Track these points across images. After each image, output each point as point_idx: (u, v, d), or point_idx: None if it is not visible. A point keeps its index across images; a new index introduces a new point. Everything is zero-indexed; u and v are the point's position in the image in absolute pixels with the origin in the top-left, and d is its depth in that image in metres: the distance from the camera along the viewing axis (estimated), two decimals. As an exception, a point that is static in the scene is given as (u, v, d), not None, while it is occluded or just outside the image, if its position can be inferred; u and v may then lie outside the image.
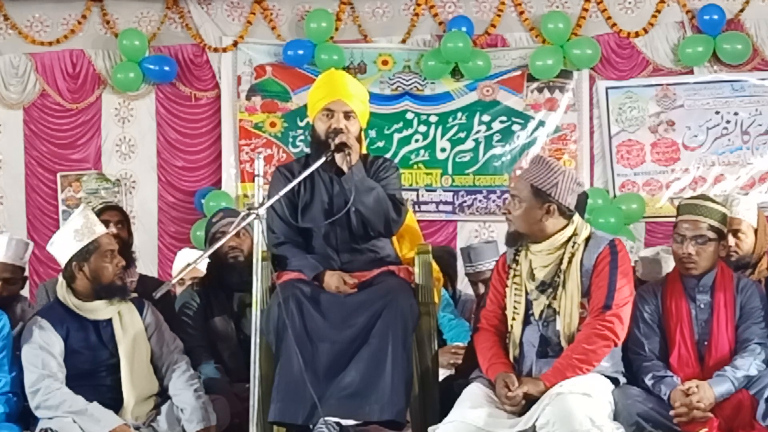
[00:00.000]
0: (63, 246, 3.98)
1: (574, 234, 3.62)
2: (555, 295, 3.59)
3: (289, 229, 4.00)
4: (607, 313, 3.51)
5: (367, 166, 4.03)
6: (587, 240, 3.63)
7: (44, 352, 3.84)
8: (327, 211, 3.96)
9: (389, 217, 3.92)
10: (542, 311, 3.60)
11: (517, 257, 3.71)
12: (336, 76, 4.13)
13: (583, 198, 4.28)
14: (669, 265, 4.33)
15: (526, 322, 3.64)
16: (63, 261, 3.98)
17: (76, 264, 3.94)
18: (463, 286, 5.95)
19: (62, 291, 3.99)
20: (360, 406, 3.62)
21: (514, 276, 3.70)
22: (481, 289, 5.17)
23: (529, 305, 3.64)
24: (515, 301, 3.66)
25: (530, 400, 3.45)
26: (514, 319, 3.66)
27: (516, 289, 3.67)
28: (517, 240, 3.68)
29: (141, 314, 4.06)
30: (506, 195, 7.13)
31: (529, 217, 3.61)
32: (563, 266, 3.59)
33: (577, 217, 3.67)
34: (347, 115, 3.97)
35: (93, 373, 3.91)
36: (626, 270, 3.61)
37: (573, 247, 3.60)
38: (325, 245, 3.97)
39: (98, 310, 3.97)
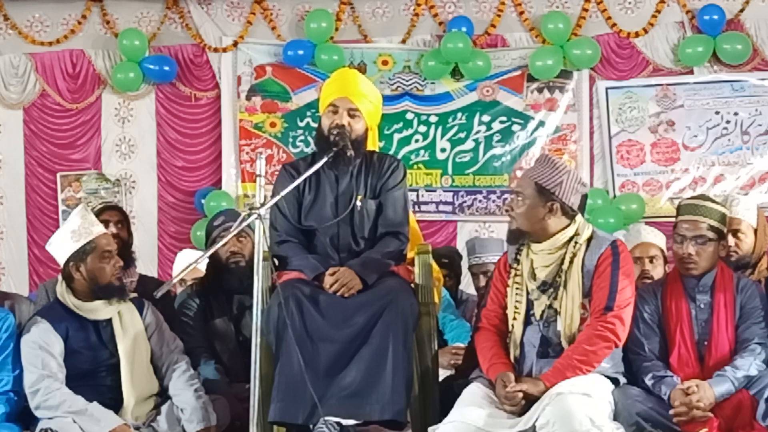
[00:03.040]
0: (61, 246, 3.98)
1: (576, 234, 3.62)
2: (556, 295, 3.58)
3: (292, 227, 4.00)
4: (609, 314, 3.51)
5: (373, 163, 4.04)
6: (589, 240, 3.63)
7: (44, 352, 3.84)
8: (332, 210, 3.97)
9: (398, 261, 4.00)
10: (543, 311, 3.59)
11: (518, 257, 3.71)
12: (347, 74, 4.15)
13: (583, 198, 4.28)
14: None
15: (527, 322, 3.64)
16: (61, 261, 3.98)
17: (73, 264, 3.94)
18: (465, 285, 5.95)
19: (62, 291, 3.98)
20: (360, 406, 3.62)
21: (515, 276, 3.69)
22: (482, 281, 5.18)
23: (530, 305, 3.64)
24: (516, 301, 3.65)
25: (530, 400, 3.45)
26: (515, 319, 3.65)
27: (517, 288, 3.67)
28: (518, 238, 3.68)
29: (141, 314, 4.06)
30: (506, 195, 7.16)
31: (531, 215, 3.60)
32: (564, 266, 3.58)
33: (579, 217, 3.67)
34: (351, 113, 3.98)
35: (93, 373, 3.90)
36: (628, 271, 3.61)
37: (575, 247, 3.60)
38: (326, 245, 3.97)
39: (98, 310, 3.96)
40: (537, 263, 3.64)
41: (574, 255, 3.59)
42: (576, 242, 3.60)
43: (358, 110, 3.98)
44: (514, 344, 3.63)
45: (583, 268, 3.58)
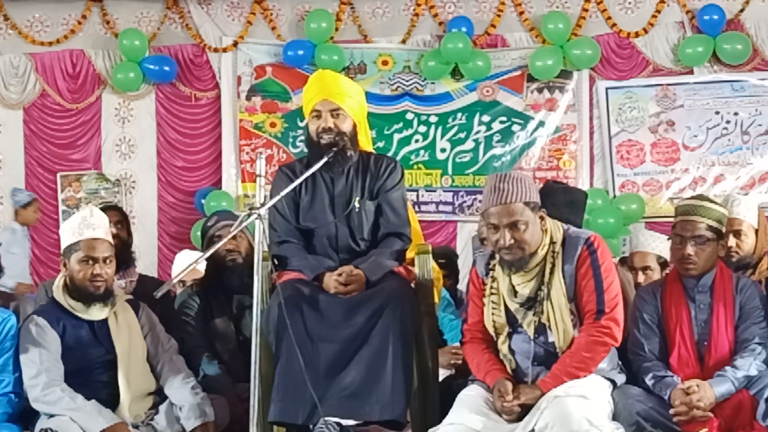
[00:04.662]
0: (63, 237, 4.01)
1: (552, 242, 3.54)
2: (542, 308, 3.51)
3: (291, 227, 4.01)
4: (603, 318, 3.45)
5: (370, 165, 4.04)
6: (562, 242, 3.54)
7: (42, 349, 3.84)
8: (329, 211, 3.97)
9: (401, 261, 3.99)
10: (535, 328, 3.52)
11: (491, 271, 3.62)
12: (322, 76, 4.14)
13: (582, 198, 4.27)
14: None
15: (513, 332, 3.58)
16: (62, 251, 4.02)
17: (63, 258, 3.97)
18: (464, 285, 5.95)
19: (59, 292, 3.99)
20: (360, 406, 3.61)
21: (491, 294, 3.60)
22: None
23: (512, 320, 3.58)
24: (494, 321, 3.57)
25: (528, 405, 3.43)
26: (497, 338, 3.60)
27: (494, 306, 3.58)
28: (528, 263, 3.52)
29: (137, 315, 4.06)
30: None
31: (535, 234, 3.49)
32: (546, 278, 3.50)
33: (548, 219, 3.57)
34: (335, 114, 3.97)
35: (88, 369, 3.91)
36: (608, 266, 3.53)
37: (554, 256, 3.52)
38: (325, 245, 3.98)
39: (91, 310, 3.96)
40: (516, 280, 3.54)
41: (554, 264, 3.51)
42: (553, 250, 3.53)
43: (341, 109, 3.98)
44: (506, 357, 3.58)
45: (564, 273, 3.50)
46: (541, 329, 3.52)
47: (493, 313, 3.59)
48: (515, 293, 3.55)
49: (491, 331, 3.60)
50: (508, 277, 3.56)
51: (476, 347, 3.65)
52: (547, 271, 3.51)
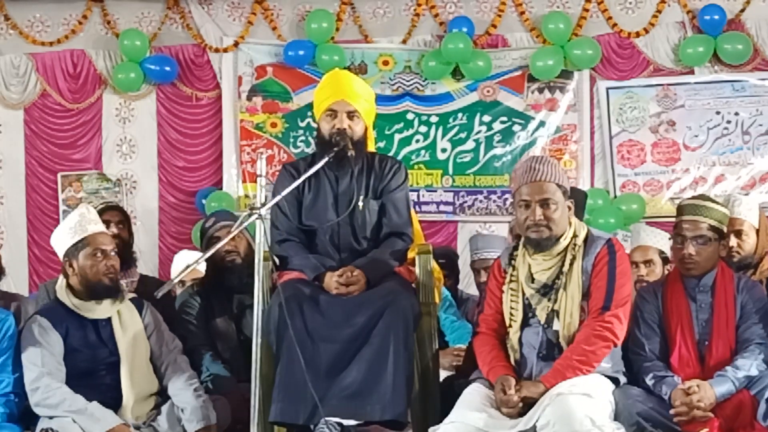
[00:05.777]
0: (60, 241, 4.02)
1: (574, 236, 3.61)
2: (557, 297, 3.57)
3: (293, 226, 4.01)
4: (606, 314, 3.50)
5: (374, 165, 4.05)
6: (584, 240, 3.62)
7: (44, 351, 3.84)
8: (332, 210, 3.98)
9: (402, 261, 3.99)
10: (547, 315, 3.58)
11: (513, 262, 3.68)
12: (340, 76, 4.14)
13: (582, 198, 4.28)
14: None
15: (525, 324, 3.63)
16: (60, 256, 4.02)
17: (67, 260, 3.97)
18: (464, 285, 5.95)
19: (62, 291, 4.00)
20: (361, 406, 3.62)
21: (510, 281, 3.66)
22: (483, 277, 5.18)
23: (527, 309, 3.62)
24: (512, 308, 3.63)
25: (530, 402, 3.44)
26: (510, 326, 3.64)
27: (512, 294, 3.64)
28: (553, 245, 3.59)
29: (140, 314, 4.06)
30: (507, 195, 7.16)
31: (563, 217, 3.58)
32: (565, 269, 3.57)
33: (573, 217, 3.66)
34: (351, 115, 3.98)
35: (92, 371, 3.91)
36: (624, 269, 3.60)
37: (574, 249, 3.59)
38: (327, 244, 3.98)
39: (96, 309, 3.97)
40: (536, 267, 3.61)
41: (574, 257, 3.58)
42: (575, 244, 3.59)
43: (356, 111, 3.99)
44: (513, 348, 3.62)
45: (582, 269, 3.57)
46: (552, 317, 3.56)
47: (511, 300, 3.64)
48: (533, 279, 3.60)
49: (507, 319, 3.64)
50: (528, 265, 3.62)
51: (487, 340, 3.68)
52: (567, 262, 3.57)
